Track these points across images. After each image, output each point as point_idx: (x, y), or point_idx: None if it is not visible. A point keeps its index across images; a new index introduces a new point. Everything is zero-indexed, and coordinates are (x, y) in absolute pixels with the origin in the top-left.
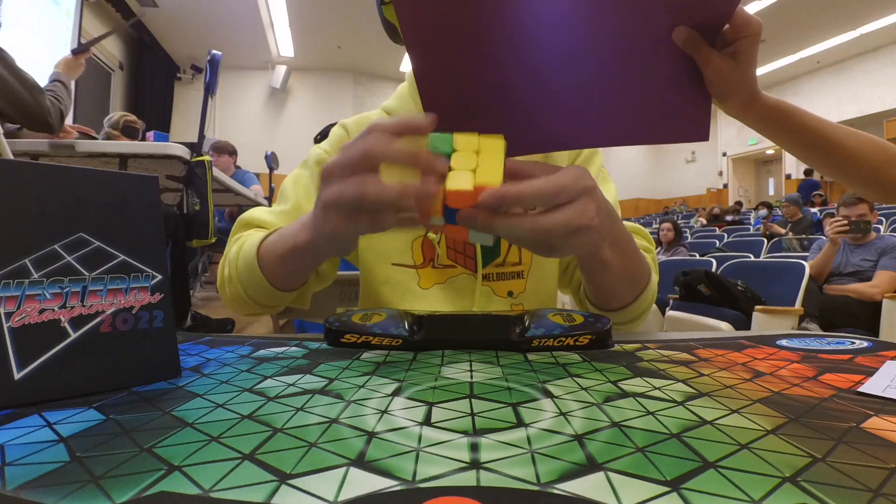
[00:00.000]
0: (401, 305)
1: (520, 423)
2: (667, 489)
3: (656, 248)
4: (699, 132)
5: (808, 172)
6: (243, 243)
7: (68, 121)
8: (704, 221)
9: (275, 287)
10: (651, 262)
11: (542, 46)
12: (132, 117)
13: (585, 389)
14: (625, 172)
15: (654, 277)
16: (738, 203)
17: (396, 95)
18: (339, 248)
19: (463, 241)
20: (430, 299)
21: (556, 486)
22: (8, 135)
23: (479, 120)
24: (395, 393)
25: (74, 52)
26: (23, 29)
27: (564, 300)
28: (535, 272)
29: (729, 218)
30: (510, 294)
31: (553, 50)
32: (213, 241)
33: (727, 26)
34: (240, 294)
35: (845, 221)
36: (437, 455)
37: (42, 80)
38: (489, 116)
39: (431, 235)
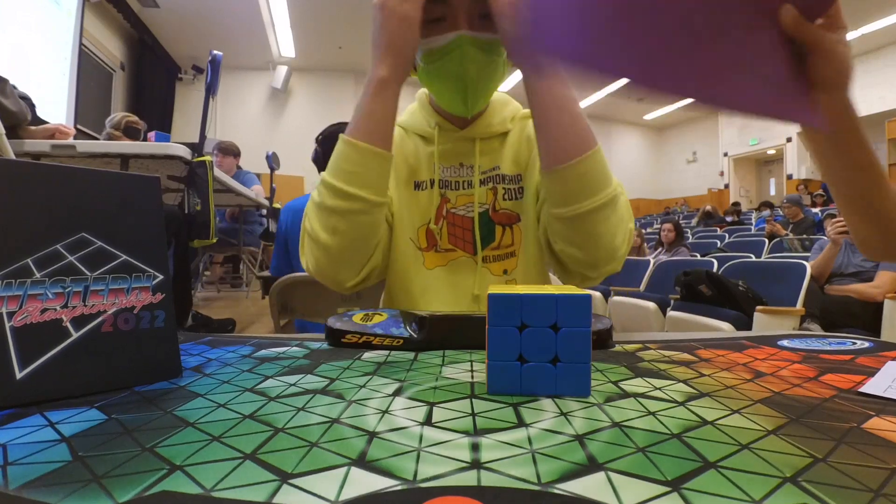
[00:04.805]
0: (407, 281)
1: (521, 423)
2: (667, 489)
3: (657, 248)
4: (808, 115)
5: None
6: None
7: (69, 122)
8: (693, 224)
9: (362, 140)
10: (625, 201)
11: None
12: (134, 118)
13: None
14: (625, 173)
15: (622, 191)
16: (736, 204)
17: (408, 112)
18: (406, 36)
19: (462, 230)
20: (433, 278)
21: (557, 485)
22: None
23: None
24: (396, 393)
25: None
26: (23, 29)
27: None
28: (525, 250)
29: (729, 219)
30: (505, 272)
31: None
32: (215, 241)
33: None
34: (324, 221)
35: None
36: (438, 455)
37: (43, 82)
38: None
39: (433, 227)
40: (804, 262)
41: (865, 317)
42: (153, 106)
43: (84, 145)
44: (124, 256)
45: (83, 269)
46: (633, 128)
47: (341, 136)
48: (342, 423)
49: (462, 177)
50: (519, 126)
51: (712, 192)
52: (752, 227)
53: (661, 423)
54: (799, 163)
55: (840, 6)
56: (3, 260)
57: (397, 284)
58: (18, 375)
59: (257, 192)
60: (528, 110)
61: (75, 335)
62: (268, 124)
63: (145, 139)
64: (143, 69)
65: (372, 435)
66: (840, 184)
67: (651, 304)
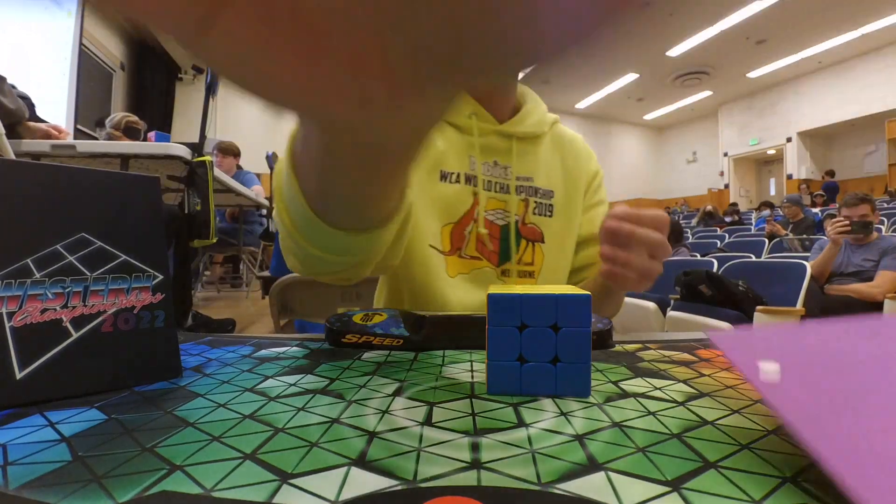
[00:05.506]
0: (429, 289)
1: (521, 423)
2: (667, 489)
3: None
4: None
5: (829, 174)
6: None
7: (69, 122)
8: (694, 224)
9: (317, 214)
10: None
11: None
12: (134, 118)
13: None
14: (625, 172)
15: None
16: (734, 204)
17: None
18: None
19: (490, 237)
20: (457, 288)
21: (557, 486)
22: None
23: None
24: (396, 393)
25: None
26: (23, 29)
27: None
28: (544, 278)
29: (728, 220)
30: None
31: None
32: (215, 241)
33: None
34: (295, 241)
35: (847, 222)
36: (438, 455)
37: (43, 81)
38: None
39: (482, 231)
40: (804, 262)
41: None
42: (153, 106)
43: (84, 145)
44: (124, 256)
45: (83, 269)
46: (633, 128)
47: None
48: (342, 422)
49: (495, 177)
50: (550, 136)
51: (712, 192)
52: (752, 227)
53: (661, 423)
54: (799, 163)
55: None
56: (3, 260)
57: (416, 295)
58: (18, 375)
59: (257, 192)
60: (556, 116)
61: (75, 335)
62: (268, 124)
63: (145, 139)
64: (143, 69)
65: (372, 435)
66: None
67: (651, 304)
